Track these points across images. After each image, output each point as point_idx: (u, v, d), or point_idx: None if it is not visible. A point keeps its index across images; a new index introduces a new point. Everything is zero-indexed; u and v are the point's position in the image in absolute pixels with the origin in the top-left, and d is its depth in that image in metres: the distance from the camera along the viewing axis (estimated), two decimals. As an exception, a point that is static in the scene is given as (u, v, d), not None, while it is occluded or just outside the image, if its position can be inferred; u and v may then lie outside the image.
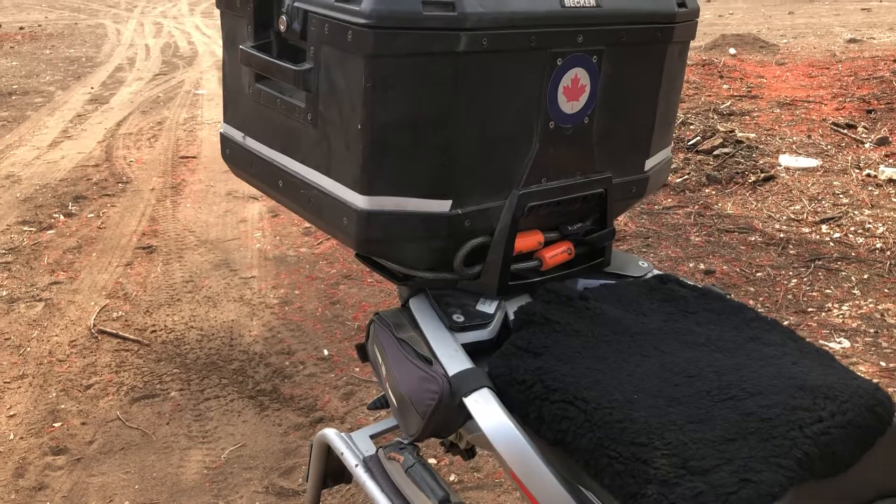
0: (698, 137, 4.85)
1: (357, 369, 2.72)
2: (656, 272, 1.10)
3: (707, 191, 4.29)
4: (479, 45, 0.88)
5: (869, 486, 0.76)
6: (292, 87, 0.99)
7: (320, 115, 0.95)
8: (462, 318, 0.98)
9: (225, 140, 1.19)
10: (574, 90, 0.98)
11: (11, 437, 2.36)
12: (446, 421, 0.90)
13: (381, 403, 1.14)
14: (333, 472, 1.15)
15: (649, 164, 1.12)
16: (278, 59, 0.99)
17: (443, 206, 0.94)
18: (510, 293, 1.02)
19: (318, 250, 3.71)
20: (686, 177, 4.43)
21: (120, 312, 3.12)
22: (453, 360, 0.91)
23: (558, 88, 0.96)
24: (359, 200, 0.92)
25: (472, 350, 0.95)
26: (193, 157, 5.19)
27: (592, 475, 0.81)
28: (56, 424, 2.42)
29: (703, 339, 0.91)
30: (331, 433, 1.07)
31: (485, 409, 0.86)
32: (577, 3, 0.94)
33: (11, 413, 2.47)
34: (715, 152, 4.65)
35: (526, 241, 1.00)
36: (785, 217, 3.92)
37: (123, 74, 8.02)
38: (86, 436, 2.38)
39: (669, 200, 4.17)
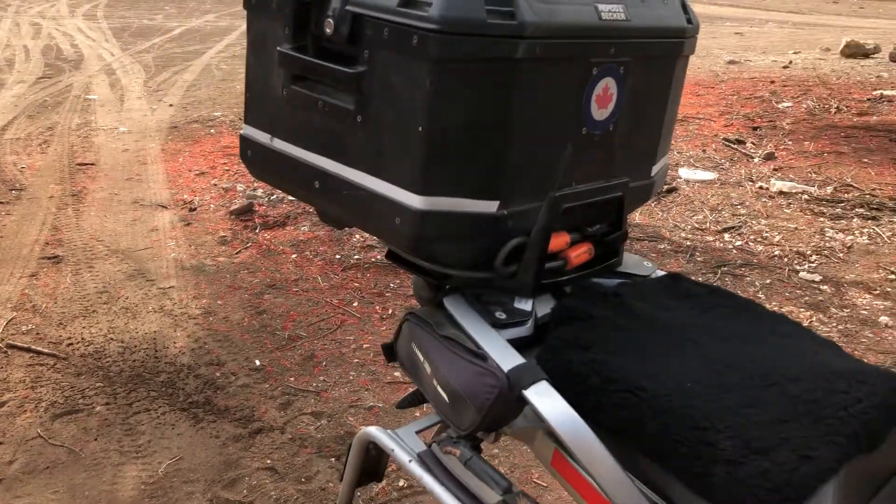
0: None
1: (292, 379, 2.68)
2: (660, 272, 1.16)
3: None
4: (534, 52, 0.91)
5: (891, 462, 0.84)
6: (334, 90, 0.99)
7: (371, 117, 0.96)
8: (504, 316, 1.00)
9: (247, 141, 1.16)
10: (604, 98, 1.02)
11: (-80, 459, 2.18)
12: (502, 414, 0.92)
13: (411, 401, 1.14)
14: (368, 470, 1.14)
15: (654, 169, 1.18)
16: (326, 62, 0.99)
17: (491, 206, 0.96)
18: (540, 290, 1.05)
19: (238, 259, 3.62)
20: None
21: (30, 325, 2.94)
22: (506, 356, 0.93)
23: (592, 96, 1.01)
24: (414, 200, 0.93)
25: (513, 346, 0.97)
26: (92, 164, 4.96)
27: (657, 460, 0.85)
28: (-30, 445, 2.26)
29: (729, 332, 0.97)
30: (376, 431, 1.06)
31: (547, 400, 0.88)
32: (612, 17, 0.99)
33: (-83, 434, 2.29)
34: (621, 165, 4.85)
35: (556, 242, 1.04)
36: (689, 226, 4.14)
37: (3, 77, 7.55)
38: (4, 456, 2.23)
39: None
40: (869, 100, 6.94)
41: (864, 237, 3.95)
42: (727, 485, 0.79)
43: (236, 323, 3.04)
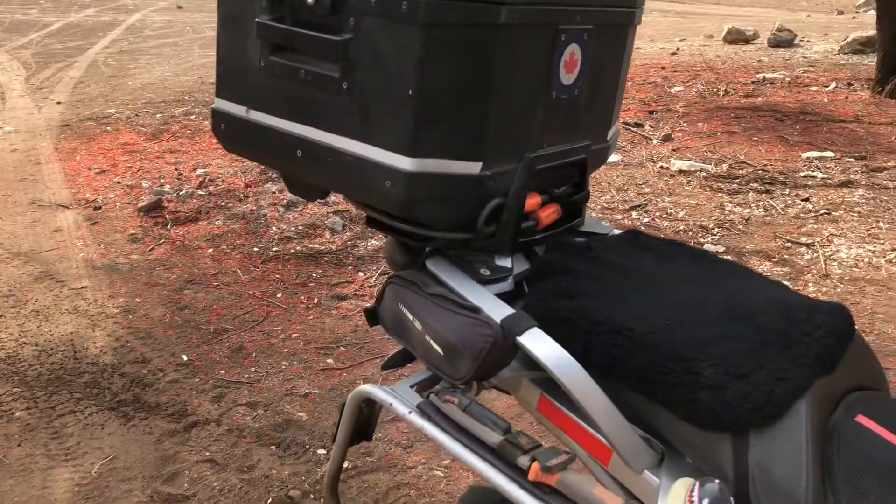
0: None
1: (223, 371, 2.63)
2: (617, 231, 1.23)
3: (528, 184, 4.58)
4: (514, 17, 0.95)
5: (844, 381, 0.92)
6: (316, 58, 0.99)
7: (357, 84, 0.97)
8: (488, 272, 1.04)
9: (219, 115, 1.15)
10: (571, 63, 1.07)
11: None
12: (497, 362, 0.96)
13: (397, 361, 1.16)
14: (359, 429, 1.15)
15: (610, 133, 1.24)
16: (309, 31, 0.99)
17: (475, 167, 1.00)
18: (517, 250, 1.09)
19: (152, 256, 3.52)
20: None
21: (-68, 333, 2.77)
22: (497, 307, 0.97)
23: (560, 62, 1.05)
24: (405, 163, 0.95)
25: None
26: (-19, 166, 4.69)
27: (644, 393, 0.91)
28: None
29: (691, 277, 1.04)
30: (371, 388, 1.07)
31: (541, 344, 0.93)
32: None
33: None
34: (529, 149, 4.97)
35: (529, 202, 1.08)
36: (599, 206, 4.28)
37: None
38: (-81, 469, 2.10)
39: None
40: (753, 82, 7.34)
41: (760, 209, 4.20)
42: (713, 408, 0.85)
43: (158, 319, 2.96)
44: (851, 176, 4.65)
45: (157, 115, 5.99)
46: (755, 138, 5.45)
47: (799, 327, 0.89)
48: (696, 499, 0.77)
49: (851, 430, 0.85)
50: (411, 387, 1.07)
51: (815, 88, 7.06)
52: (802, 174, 4.70)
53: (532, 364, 0.95)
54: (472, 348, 0.94)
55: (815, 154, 5.04)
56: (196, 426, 2.34)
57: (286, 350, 2.79)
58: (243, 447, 2.26)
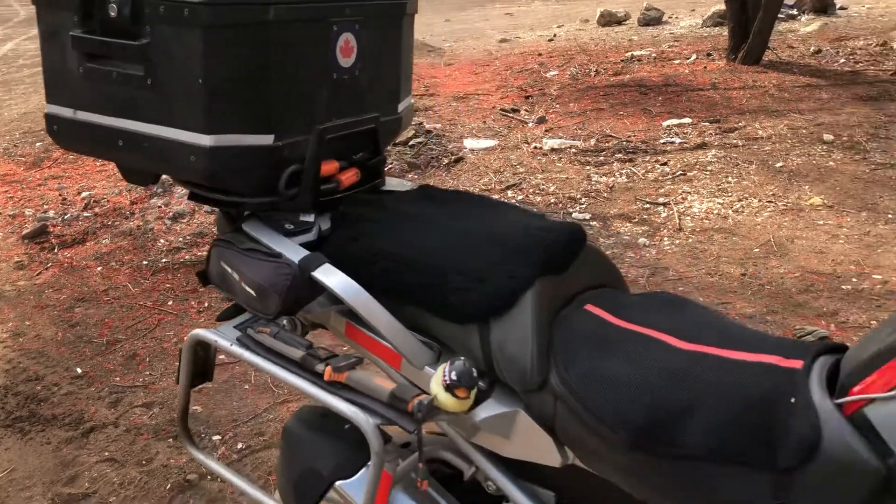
0: (393, 131, 5.36)
1: (118, 378, 2.74)
2: (412, 186, 1.44)
3: (410, 175, 4.79)
4: (283, 15, 1.15)
5: (578, 282, 1.16)
6: (124, 61, 1.17)
7: (159, 79, 1.16)
8: (292, 226, 1.24)
9: (52, 118, 1.31)
10: (347, 49, 1.28)
11: None
12: (299, 297, 1.16)
13: (230, 313, 1.32)
14: (199, 371, 1.32)
15: (400, 107, 1.46)
16: (115, 39, 1.17)
17: (267, 139, 1.19)
18: (320, 208, 1.29)
19: (40, 280, 3.56)
20: (390, 166, 4.89)
21: None
22: (296, 252, 1.18)
23: (336, 48, 1.26)
24: (204, 140, 1.14)
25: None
26: None
27: (416, 303, 1.13)
28: None
29: (465, 215, 1.26)
30: (200, 331, 1.24)
31: (331, 276, 1.14)
32: None
33: None
34: (411, 143, 5.18)
35: (328, 167, 1.28)
36: (477, 188, 4.53)
37: None
38: None
39: (379, 188, 4.60)
40: (622, 61, 7.76)
41: (623, 177, 4.53)
42: (461, 306, 1.08)
43: (49, 339, 3.03)
44: (706, 139, 5.05)
45: (38, 144, 5.93)
46: (621, 113, 5.81)
47: (533, 240, 1.13)
48: (447, 374, 0.99)
49: (577, 315, 1.09)
50: (235, 326, 1.25)
51: (678, 61, 7.52)
52: (662, 141, 5.07)
53: (337, 299, 1.16)
54: (276, 286, 1.14)
55: (675, 122, 5.43)
56: (94, 431, 2.45)
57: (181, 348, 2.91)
58: (141, 444, 2.39)
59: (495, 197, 4.36)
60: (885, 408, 0.87)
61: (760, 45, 6.92)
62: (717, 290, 3.19)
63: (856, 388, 0.91)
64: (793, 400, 0.92)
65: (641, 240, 3.71)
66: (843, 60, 7.02)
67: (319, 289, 1.16)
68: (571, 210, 4.12)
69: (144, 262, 3.68)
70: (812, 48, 7.52)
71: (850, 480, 0.87)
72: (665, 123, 5.41)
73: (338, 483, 1.15)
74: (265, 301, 1.17)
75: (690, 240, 3.67)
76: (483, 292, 1.07)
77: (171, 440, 2.39)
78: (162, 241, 3.90)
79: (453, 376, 0.98)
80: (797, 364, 0.97)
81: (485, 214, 1.28)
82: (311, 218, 1.27)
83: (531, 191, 4.44)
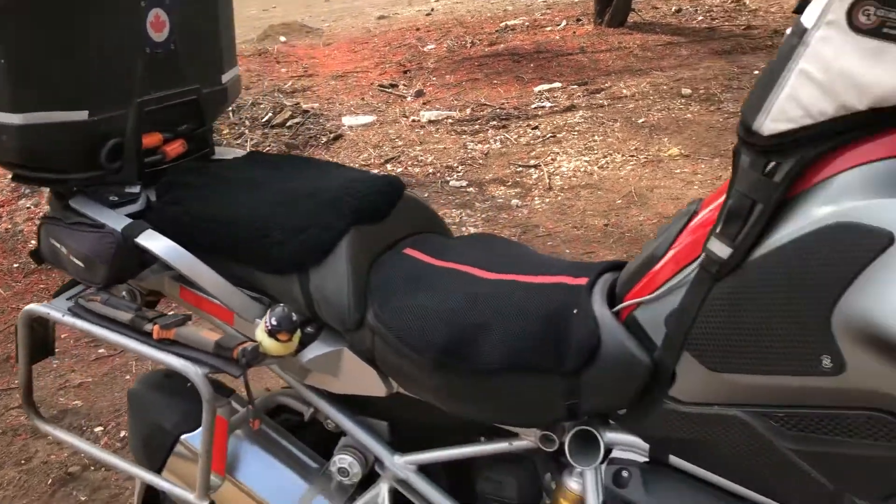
0: (270, 114, 5.34)
1: (-9, 382, 2.69)
2: (241, 153, 1.50)
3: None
4: None
5: (398, 229, 1.25)
6: None
7: None
8: (117, 198, 1.27)
9: None
10: (158, 24, 1.31)
11: None
12: (125, 264, 1.20)
13: (66, 288, 1.35)
14: (38, 346, 1.34)
15: (225, 78, 1.50)
16: None
17: (81, 115, 1.21)
18: (147, 180, 1.33)
19: None
20: (268, 149, 4.89)
21: None
22: (119, 221, 1.21)
23: (147, 24, 1.29)
24: (14, 119, 1.16)
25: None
26: None
27: (240, 260, 1.19)
28: None
29: (291, 177, 1.33)
30: (33, 306, 1.26)
31: (155, 241, 1.18)
32: None
33: None
34: (288, 124, 5.18)
35: (150, 139, 1.32)
36: (357, 164, 4.59)
37: None
38: None
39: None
40: (497, 31, 7.92)
41: (498, 143, 4.68)
42: (280, 258, 1.15)
43: (-84, 351, 2.93)
44: (575, 101, 5.25)
45: None
46: (495, 81, 5.96)
47: (349, 193, 1.21)
48: (268, 320, 1.07)
49: (395, 259, 1.18)
50: (68, 299, 1.29)
51: (549, 28, 7.73)
52: (534, 106, 5.24)
53: (169, 266, 1.21)
54: (102, 255, 1.19)
55: (546, 87, 5.61)
56: (-35, 437, 2.41)
57: (57, 350, 2.87)
58: (19, 444, 2.37)
59: (374, 171, 4.43)
60: (650, 309, 1.00)
61: (624, 7, 7.20)
62: (583, 242, 3.38)
63: (628, 296, 1.04)
64: (575, 311, 1.04)
65: (514, 201, 3.86)
66: (700, 18, 7.38)
67: (151, 257, 1.21)
68: (449, 178, 4.24)
69: (15, 265, 3.58)
70: (673, 7, 7.88)
71: (626, 375, 1.00)
72: (537, 89, 5.59)
73: (183, 436, 1.22)
74: (93, 271, 1.21)
75: (559, 197, 3.85)
76: (301, 243, 1.15)
77: (49, 437, 2.38)
78: (33, 242, 3.79)
79: (273, 322, 1.06)
80: (583, 281, 1.10)
81: (310, 175, 1.35)
82: (136, 189, 1.30)
83: (410, 163, 4.53)
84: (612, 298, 1.07)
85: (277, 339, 1.07)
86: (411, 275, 1.15)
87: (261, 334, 1.08)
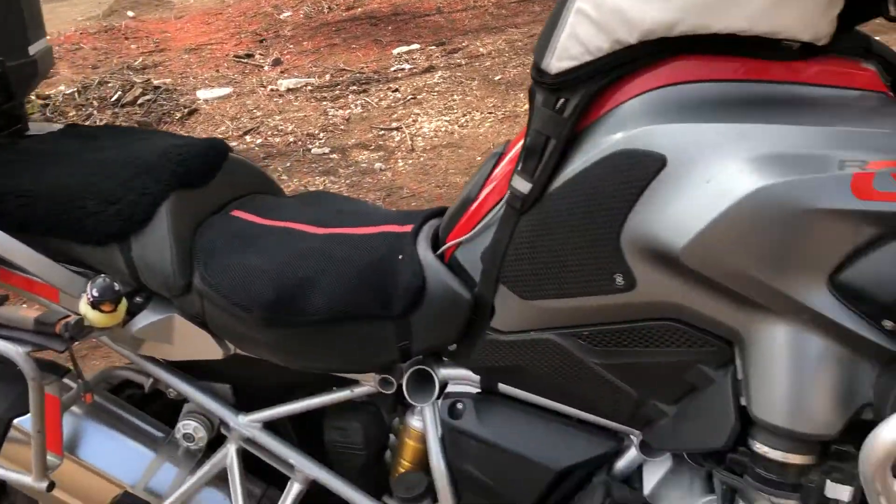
0: (119, 93, 5.10)
1: None
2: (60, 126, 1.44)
3: (142, 135, 4.62)
4: None
5: (224, 193, 1.24)
6: None
7: None
8: None
9: None
10: None
11: None
12: None
13: None
14: None
15: (32, 49, 1.43)
16: None
17: None
18: None
19: None
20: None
21: None
22: None
23: None
24: None
25: None
26: None
27: (55, 235, 1.14)
28: None
29: (109, 146, 1.28)
30: None
31: None
32: None
33: None
34: (139, 101, 4.97)
35: None
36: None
37: None
38: None
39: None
40: (354, -4, 7.82)
41: (359, 108, 4.66)
42: (97, 229, 1.12)
43: None
44: (433, 62, 5.28)
45: None
46: (353, 46, 5.91)
47: (168, 158, 1.18)
48: (89, 292, 1.04)
49: (221, 221, 1.17)
50: None
51: (407, -9, 7.71)
52: (393, 69, 5.24)
53: None
54: None
55: (404, 49, 5.62)
56: None
57: None
58: None
59: (232, 143, 4.32)
60: (468, 248, 1.05)
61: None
62: (446, 200, 3.43)
63: (448, 238, 1.08)
64: (400, 257, 1.08)
65: (378, 165, 3.87)
66: (553, -25, 7.54)
67: None
68: (311, 146, 4.20)
69: None
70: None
71: (450, 313, 1.04)
72: (395, 51, 5.59)
73: (16, 420, 1.18)
74: None
75: (422, 158, 3.89)
76: (117, 212, 1.12)
77: None
78: None
79: (95, 293, 1.04)
80: (408, 228, 1.13)
81: (131, 144, 1.31)
82: None
83: (269, 133, 4.45)
84: (437, 242, 1.11)
85: (101, 311, 1.05)
86: (238, 235, 1.14)
87: (84, 307, 1.05)
